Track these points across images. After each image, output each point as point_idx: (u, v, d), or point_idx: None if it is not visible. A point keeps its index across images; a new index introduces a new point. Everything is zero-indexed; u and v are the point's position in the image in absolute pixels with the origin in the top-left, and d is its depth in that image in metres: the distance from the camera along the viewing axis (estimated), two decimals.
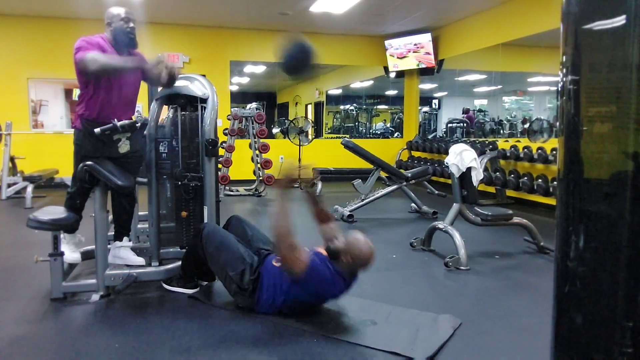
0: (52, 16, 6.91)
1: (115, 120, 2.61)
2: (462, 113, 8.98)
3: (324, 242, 2.43)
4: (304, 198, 2.51)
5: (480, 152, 5.82)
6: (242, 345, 2.09)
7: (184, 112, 3.00)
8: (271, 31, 7.92)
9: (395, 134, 9.98)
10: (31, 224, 2.53)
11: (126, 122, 2.62)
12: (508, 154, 5.81)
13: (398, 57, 8.15)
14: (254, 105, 6.70)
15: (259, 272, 2.37)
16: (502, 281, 3.05)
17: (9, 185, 5.99)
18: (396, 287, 2.94)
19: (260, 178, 6.63)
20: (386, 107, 11.53)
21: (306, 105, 11.99)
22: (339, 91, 11.66)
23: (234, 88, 9.47)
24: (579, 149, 0.94)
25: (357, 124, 11.44)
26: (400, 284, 3.00)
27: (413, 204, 5.25)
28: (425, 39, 7.71)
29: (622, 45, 0.86)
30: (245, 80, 10.86)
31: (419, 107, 9.04)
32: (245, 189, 6.83)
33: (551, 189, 5.08)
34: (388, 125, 11.12)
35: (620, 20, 0.86)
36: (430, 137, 8.76)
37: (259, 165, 6.65)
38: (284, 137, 8.12)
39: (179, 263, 2.75)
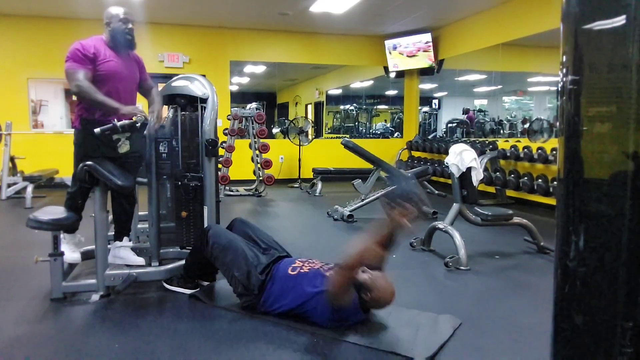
0: (52, 16, 6.91)
1: (115, 120, 2.61)
2: (463, 113, 8.98)
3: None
4: (392, 224, 2.11)
5: (480, 152, 5.82)
6: (242, 345, 2.09)
7: (184, 112, 3.00)
8: (271, 31, 7.93)
9: (395, 134, 9.98)
10: (31, 224, 2.53)
11: (126, 122, 2.61)
12: (508, 154, 5.82)
13: (408, 56, 8.02)
14: (254, 105, 6.71)
15: (271, 275, 2.36)
16: (502, 281, 3.05)
17: (9, 185, 5.99)
18: (396, 287, 2.93)
19: (260, 178, 6.63)
20: (386, 107, 11.54)
21: (306, 105, 11.99)
22: (339, 91, 11.66)
23: (234, 88, 9.47)
24: (579, 149, 0.94)
25: (357, 124, 11.44)
26: (400, 284, 2.99)
27: None
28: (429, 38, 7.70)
29: (622, 45, 0.85)
30: (245, 80, 10.86)
31: (419, 107, 9.04)
32: (245, 189, 6.83)
33: (551, 189, 5.08)
34: (388, 125, 11.12)
35: (620, 20, 0.86)
36: (430, 137, 8.76)
37: (259, 165, 6.65)
38: (284, 137, 8.13)
39: (180, 263, 2.75)
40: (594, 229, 0.92)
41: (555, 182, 5.01)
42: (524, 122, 7.56)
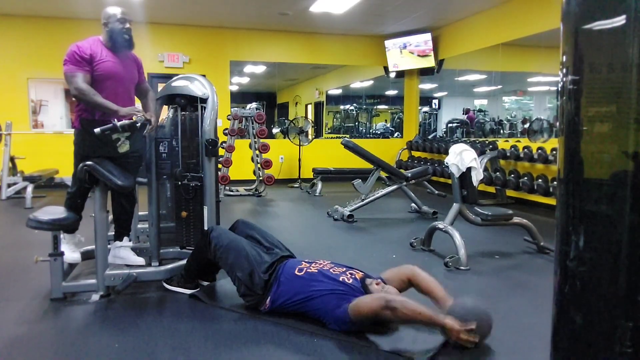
0: (52, 16, 6.91)
1: (115, 120, 2.61)
2: (463, 113, 8.97)
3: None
4: (450, 333, 1.99)
5: (480, 152, 5.82)
6: (242, 345, 2.09)
7: (184, 112, 3.00)
8: (271, 31, 7.93)
9: (395, 134, 9.98)
10: (31, 224, 2.53)
11: (126, 122, 2.62)
12: (508, 154, 5.81)
13: (419, 55, 7.93)
14: (254, 105, 6.71)
15: (276, 276, 2.36)
16: (502, 281, 3.05)
17: (9, 185, 5.99)
18: None
19: (260, 178, 6.63)
20: (386, 107, 11.53)
21: (306, 105, 11.99)
22: (339, 91, 11.66)
23: (234, 88, 9.46)
24: (579, 149, 0.94)
25: (357, 124, 11.44)
26: None
27: (413, 204, 5.25)
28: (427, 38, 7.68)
29: (622, 45, 0.86)
30: (245, 80, 10.86)
31: (419, 107, 9.04)
32: (245, 189, 6.83)
33: (551, 189, 5.08)
34: (388, 125, 11.12)
35: (620, 20, 0.86)
36: (430, 137, 8.76)
37: (259, 165, 6.65)
38: (284, 137, 8.13)
39: (180, 263, 2.75)
40: (594, 229, 0.93)
41: (555, 182, 5.01)
42: (524, 122, 7.55)
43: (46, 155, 6.67)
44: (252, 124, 6.54)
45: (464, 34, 7.24)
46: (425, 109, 9.91)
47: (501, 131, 7.73)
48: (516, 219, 3.58)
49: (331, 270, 2.33)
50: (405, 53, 8.05)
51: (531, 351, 2.07)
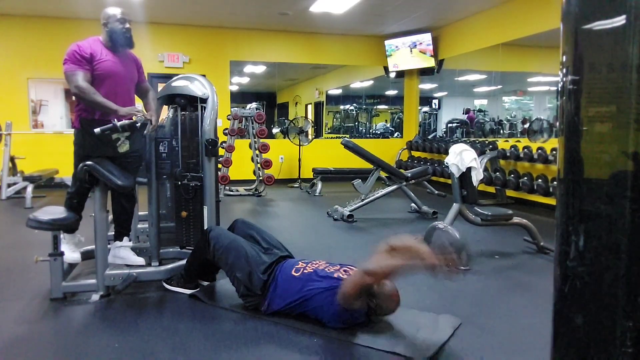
0: (52, 16, 6.91)
1: (115, 120, 2.61)
2: (464, 113, 8.97)
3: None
4: (428, 263, 2.00)
5: (480, 152, 5.82)
6: (242, 345, 2.09)
7: (184, 112, 3.00)
8: (271, 31, 7.93)
9: (395, 134, 9.98)
10: (31, 224, 2.53)
11: (126, 122, 2.62)
12: (508, 154, 5.81)
13: (431, 55, 7.85)
14: (254, 105, 6.71)
15: (274, 276, 2.36)
16: (502, 281, 3.05)
17: (9, 185, 6.00)
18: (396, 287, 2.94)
19: (260, 178, 6.63)
20: (386, 107, 11.53)
21: (306, 105, 11.99)
22: (339, 91, 11.66)
23: (234, 88, 9.47)
24: (579, 149, 0.94)
25: (357, 124, 11.44)
26: (400, 284, 2.99)
27: (413, 204, 5.25)
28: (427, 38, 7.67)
29: (622, 45, 0.85)
30: (245, 80, 10.86)
31: (419, 107, 9.04)
32: (245, 189, 6.83)
33: (551, 189, 5.08)
34: (388, 125, 11.12)
35: (620, 20, 0.86)
36: (430, 137, 8.76)
37: (259, 165, 6.65)
38: (284, 137, 8.13)
39: (180, 263, 2.75)
40: (594, 229, 0.92)
41: (555, 182, 5.01)
42: (524, 122, 7.55)
43: (46, 155, 6.68)
44: (252, 123, 6.54)
45: (464, 34, 7.24)
46: (425, 109, 9.91)
47: (501, 131, 7.73)
48: (516, 219, 3.58)
49: (326, 269, 2.34)
50: (416, 52, 7.98)
51: (531, 351, 2.07)
